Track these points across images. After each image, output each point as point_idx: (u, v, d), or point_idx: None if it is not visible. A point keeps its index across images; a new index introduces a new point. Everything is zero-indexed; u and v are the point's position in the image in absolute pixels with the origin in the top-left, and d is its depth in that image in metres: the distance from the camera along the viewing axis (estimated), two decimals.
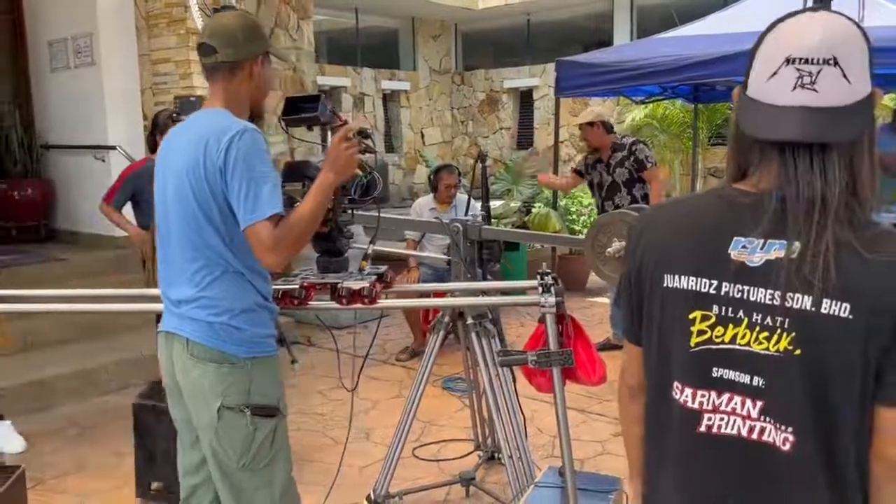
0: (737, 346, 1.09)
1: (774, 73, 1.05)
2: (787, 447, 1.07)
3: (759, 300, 1.07)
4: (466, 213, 5.19)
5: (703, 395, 1.13)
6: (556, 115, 6.38)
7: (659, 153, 9.26)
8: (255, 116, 2.08)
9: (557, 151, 6.48)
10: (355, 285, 2.20)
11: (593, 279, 7.99)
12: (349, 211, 2.29)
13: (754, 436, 1.09)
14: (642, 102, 7.56)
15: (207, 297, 1.92)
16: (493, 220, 7.59)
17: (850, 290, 1.01)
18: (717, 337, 1.10)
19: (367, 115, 10.37)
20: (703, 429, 1.13)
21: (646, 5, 10.14)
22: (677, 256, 1.14)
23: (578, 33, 11.04)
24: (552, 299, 2.23)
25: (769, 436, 1.08)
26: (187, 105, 3.26)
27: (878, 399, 1.05)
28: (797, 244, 1.03)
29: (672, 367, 1.16)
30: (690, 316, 1.12)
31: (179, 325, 1.97)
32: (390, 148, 10.87)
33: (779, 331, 1.05)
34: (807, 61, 1.02)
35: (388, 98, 10.98)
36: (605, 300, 7.27)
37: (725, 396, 1.11)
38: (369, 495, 3.05)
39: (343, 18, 10.54)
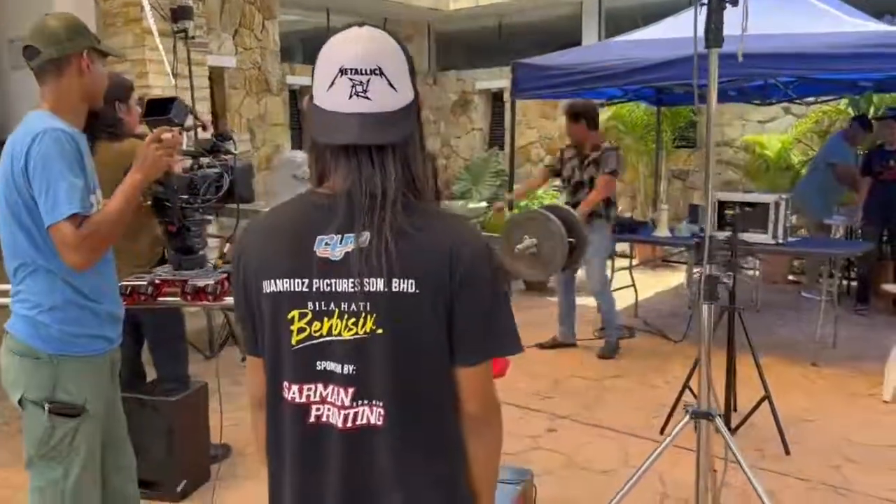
0: (332, 338, 1.18)
1: (332, 84, 1.15)
2: (381, 422, 1.17)
3: (344, 290, 1.16)
4: None
5: (309, 389, 1.20)
6: (512, 117, 6.42)
7: (624, 155, 9.36)
8: (95, 112, 2.12)
9: (514, 156, 6.51)
10: (201, 282, 2.23)
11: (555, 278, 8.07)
12: (201, 210, 2.31)
13: (349, 423, 1.18)
14: (603, 105, 7.63)
15: (22, 291, 1.98)
16: None
17: (413, 268, 1.14)
18: (315, 332, 1.19)
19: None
20: (312, 420, 1.21)
21: (614, 7, 10.24)
22: (272, 262, 1.21)
23: (550, 35, 11.09)
24: None
25: (363, 418, 1.18)
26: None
27: (455, 361, 1.19)
28: (366, 234, 1.14)
29: (282, 367, 1.22)
30: (289, 316, 1.19)
31: (10, 318, 2.03)
32: None
33: (363, 314, 1.16)
34: (356, 71, 1.14)
35: None
36: None
37: (330, 388, 1.19)
38: None
39: (315, 19, 10.57)
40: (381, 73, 1.14)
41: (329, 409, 1.19)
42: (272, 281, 1.20)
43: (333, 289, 1.17)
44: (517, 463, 3.57)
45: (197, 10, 5.99)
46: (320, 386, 1.19)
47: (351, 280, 1.15)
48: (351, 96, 1.13)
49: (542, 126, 10.75)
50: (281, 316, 1.20)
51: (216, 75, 7.31)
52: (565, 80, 5.69)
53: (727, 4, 2.34)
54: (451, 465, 1.24)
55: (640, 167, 9.30)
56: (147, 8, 4.91)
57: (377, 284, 1.14)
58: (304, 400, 1.21)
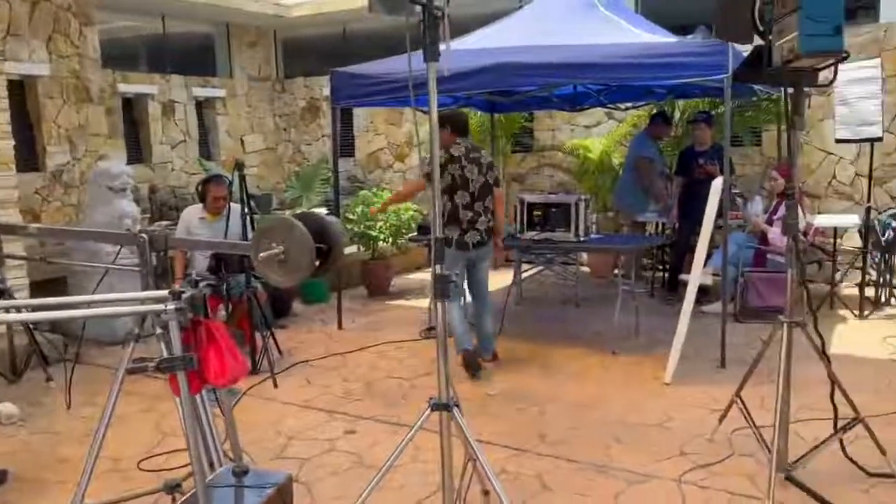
0: None
1: None
2: None
3: None
4: (228, 225, 5.24)
5: None
6: (334, 125, 6.47)
7: None
8: None
9: (337, 164, 6.55)
10: None
11: (397, 283, 8.22)
12: None
13: None
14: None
15: None
16: None
17: None
18: None
19: (178, 122, 10.12)
20: None
21: (458, 15, 10.50)
22: None
23: (397, 41, 11.28)
24: (172, 306, 2.31)
25: None
26: None
27: None
28: None
29: None
30: None
31: None
32: (207, 156, 10.66)
33: None
34: None
35: (204, 105, 10.77)
36: (407, 302, 7.50)
37: None
38: None
39: (149, 24, 10.23)
40: None
41: None
42: None
43: None
44: (309, 468, 3.64)
45: None
46: None
47: None
48: None
49: (389, 132, 10.89)
50: None
51: (28, 84, 6.94)
52: (380, 89, 5.82)
53: (440, 20, 2.49)
54: None
55: None
56: None
57: None
58: None
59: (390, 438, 3.93)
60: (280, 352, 5.53)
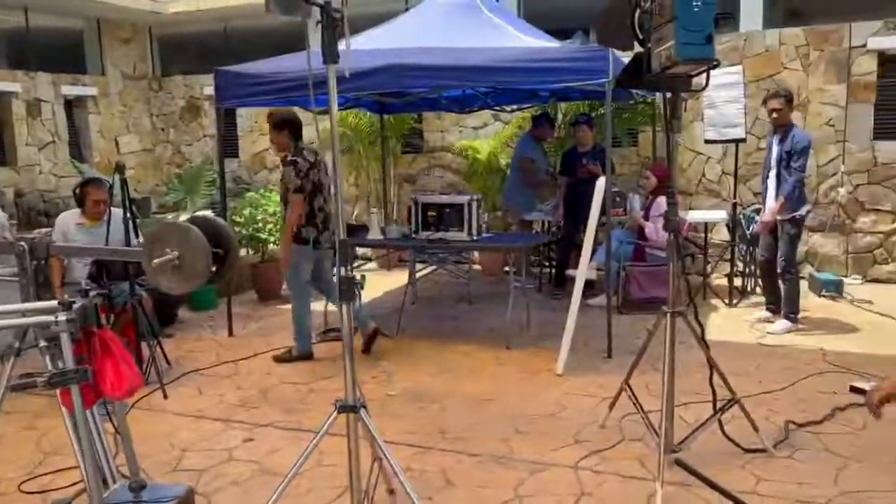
0: None
1: None
2: None
3: None
4: (109, 231, 4.97)
5: None
6: (219, 125, 6.31)
7: (356, 161, 9.60)
8: None
9: (223, 165, 6.39)
10: None
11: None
12: None
13: None
14: (321, 112, 7.74)
15: None
16: None
17: None
18: None
19: (46, 122, 9.51)
20: None
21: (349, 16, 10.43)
22: None
23: (284, 39, 11.05)
24: (63, 317, 2.19)
25: None
26: None
27: None
28: None
29: None
30: None
31: None
32: (79, 157, 10.07)
33: None
34: None
35: (74, 104, 10.16)
36: None
37: None
38: None
39: (10, 17, 9.55)
40: None
41: None
42: None
43: None
44: (207, 478, 3.53)
45: None
46: None
47: None
48: None
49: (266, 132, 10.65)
50: None
51: None
52: (268, 88, 5.72)
53: (340, 22, 2.49)
54: None
55: (370, 171, 9.58)
56: None
57: None
58: None
59: (291, 444, 3.88)
60: (168, 361, 5.32)
